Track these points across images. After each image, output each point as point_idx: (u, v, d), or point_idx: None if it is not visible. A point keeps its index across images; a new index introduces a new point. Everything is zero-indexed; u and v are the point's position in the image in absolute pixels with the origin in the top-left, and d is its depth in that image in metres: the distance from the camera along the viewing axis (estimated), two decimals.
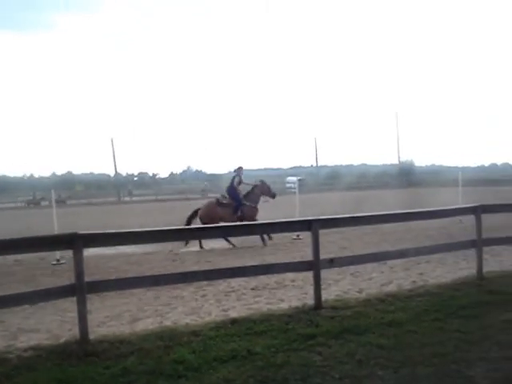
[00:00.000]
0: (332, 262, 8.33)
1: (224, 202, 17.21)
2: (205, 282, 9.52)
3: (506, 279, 9.27)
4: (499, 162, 75.74)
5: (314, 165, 72.33)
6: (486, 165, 72.81)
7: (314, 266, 7.87)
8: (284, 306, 8.14)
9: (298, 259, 9.48)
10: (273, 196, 17.79)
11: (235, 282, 9.78)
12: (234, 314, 7.72)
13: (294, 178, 47.08)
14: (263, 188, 17.75)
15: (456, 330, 6.58)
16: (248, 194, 17.43)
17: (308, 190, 49.03)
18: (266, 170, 77.08)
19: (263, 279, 9.85)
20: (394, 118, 75.78)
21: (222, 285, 9.77)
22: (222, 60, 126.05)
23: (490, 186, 42.79)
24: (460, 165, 64.74)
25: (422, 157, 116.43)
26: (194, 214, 16.91)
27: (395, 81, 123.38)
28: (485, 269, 9.67)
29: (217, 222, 15.15)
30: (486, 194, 27.56)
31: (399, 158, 69.81)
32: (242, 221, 15.99)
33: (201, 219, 16.53)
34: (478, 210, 9.64)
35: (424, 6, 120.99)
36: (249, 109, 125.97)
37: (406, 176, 60.69)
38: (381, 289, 9.13)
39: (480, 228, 9.56)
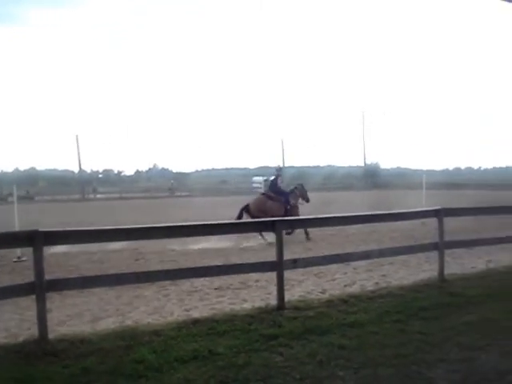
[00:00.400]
0: (296, 263, 8.34)
1: (273, 196, 17.76)
2: (168, 282, 9.44)
3: (466, 281, 9.41)
4: (463, 166, 76.82)
5: (281, 165, 72.55)
6: (451, 169, 73.85)
7: (278, 266, 7.88)
8: (247, 306, 8.13)
9: (262, 260, 9.45)
10: (307, 201, 18.62)
11: (199, 282, 9.72)
12: (196, 314, 7.68)
13: (261, 178, 47.08)
14: (302, 191, 18.64)
15: (417, 331, 6.64)
16: (290, 193, 18.24)
17: None
18: (232, 169, 77.10)
19: (227, 279, 9.80)
20: (361, 121, 76.35)
21: (186, 284, 9.71)
22: (190, 58, 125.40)
23: (453, 189, 43.42)
24: (425, 168, 65.56)
25: (388, 159, 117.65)
26: (245, 208, 17.30)
27: (362, 84, 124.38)
28: (446, 271, 9.81)
29: (268, 216, 15.37)
30: (449, 198, 27.94)
31: (365, 160, 70.44)
32: (288, 216, 16.35)
33: (251, 213, 16.99)
34: (440, 213, 9.76)
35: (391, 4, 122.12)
36: (216, 108, 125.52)
37: (371, 178, 61.32)
38: (344, 290, 9.19)
39: (442, 231, 9.69)
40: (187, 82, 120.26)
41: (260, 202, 17.70)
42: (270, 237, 15.76)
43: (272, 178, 19.20)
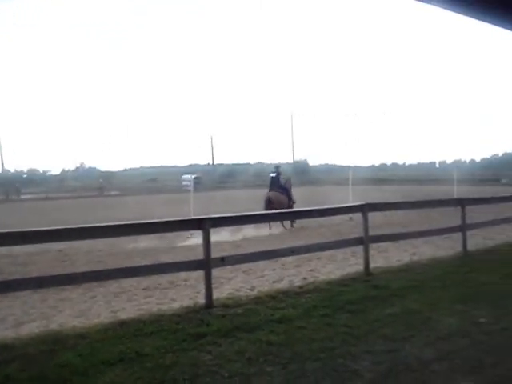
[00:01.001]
0: (223, 261, 8.34)
1: (281, 191, 20.27)
2: (95, 283, 9.23)
3: (391, 274, 9.66)
4: (389, 162, 78.83)
5: (211, 163, 72.58)
6: (377, 164, 75.57)
7: (205, 264, 7.85)
8: (175, 305, 8.05)
9: (190, 258, 9.39)
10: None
11: (126, 283, 9.55)
12: (123, 316, 7.55)
13: (189, 176, 46.74)
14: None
15: (343, 324, 6.76)
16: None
17: (204, 189, 48.89)
18: (161, 167, 76.29)
19: (155, 279, 9.67)
20: (289, 118, 77.20)
21: (113, 285, 9.52)
22: (120, 53, 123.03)
23: (379, 185, 44.46)
24: (352, 164, 66.88)
25: (316, 156, 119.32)
26: (268, 200, 19.53)
27: (291, 82, 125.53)
28: (372, 265, 10.05)
29: (283, 208, 18.23)
30: (375, 193, 28.62)
31: (294, 157, 71.20)
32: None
33: (274, 205, 18.92)
34: (364, 209, 9.97)
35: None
36: (144, 105, 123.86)
37: (300, 175, 61.96)
38: (272, 286, 9.25)
39: (367, 225, 9.91)
40: (116, 79, 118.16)
41: (279, 195, 19.96)
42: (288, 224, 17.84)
43: (273, 175, 20.83)
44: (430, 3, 2.43)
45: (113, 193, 56.82)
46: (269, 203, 19.27)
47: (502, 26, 2.52)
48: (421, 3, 2.39)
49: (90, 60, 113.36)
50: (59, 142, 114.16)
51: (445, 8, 2.43)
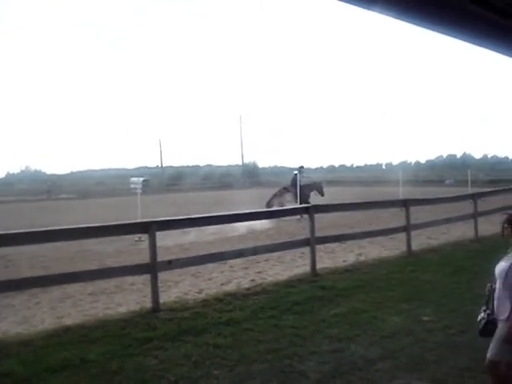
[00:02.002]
0: (170, 264, 8.29)
1: (289, 190, 23.67)
2: (39, 289, 9.04)
3: (337, 275, 9.79)
4: (337, 163, 79.74)
5: (160, 165, 71.95)
6: (325, 166, 76.29)
7: (152, 268, 7.79)
8: (122, 310, 7.96)
9: (137, 262, 9.30)
10: (322, 195, 24.21)
11: (72, 288, 9.35)
12: (68, 322, 7.42)
13: (136, 179, 46.36)
14: (318, 187, 24.62)
15: (290, 325, 6.83)
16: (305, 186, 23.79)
17: (153, 191, 48.57)
18: (109, 170, 75.11)
19: (102, 284, 9.52)
20: (239, 121, 77.40)
21: (58, 291, 9.32)
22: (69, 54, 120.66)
23: (327, 186, 44.90)
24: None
25: (265, 158, 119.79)
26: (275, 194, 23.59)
27: (240, 84, 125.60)
28: (319, 265, 10.15)
29: (285, 202, 22.42)
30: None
31: (243, 159, 71.25)
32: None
33: (275, 197, 23.35)
34: (311, 210, 10.07)
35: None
36: (91, 108, 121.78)
37: (249, 177, 62.11)
38: (220, 288, 9.24)
39: (313, 227, 10.00)
40: (53, 78, 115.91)
41: (282, 191, 23.78)
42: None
43: (295, 172, 24.07)
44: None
45: (61, 196, 55.61)
46: (273, 196, 23.44)
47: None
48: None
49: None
50: (2, 144, 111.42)
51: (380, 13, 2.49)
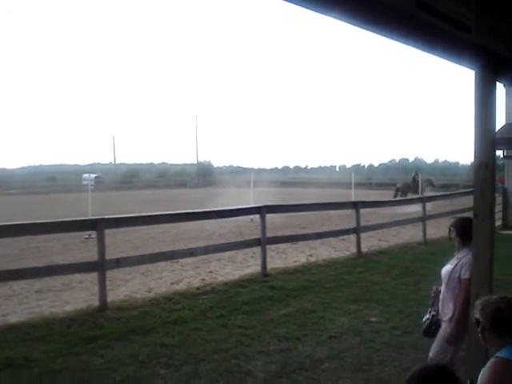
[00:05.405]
0: (119, 262, 8.20)
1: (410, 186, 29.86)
2: None
3: (287, 275, 9.85)
4: (291, 164, 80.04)
5: (113, 162, 71.03)
6: (280, 167, 76.53)
7: (100, 266, 7.68)
8: (68, 308, 7.82)
9: (85, 259, 9.16)
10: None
11: (18, 285, 9.17)
12: (13, 320, 7.26)
13: (88, 175, 45.81)
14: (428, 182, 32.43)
15: (239, 325, 6.85)
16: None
17: (105, 188, 47.92)
18: (61, 165, 73.73)
19: (49, 281, 9.33)
20: (194, 119, 77.08)
21: (3, 288, 9.09)
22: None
23: (282, 187, 45.16)
24: (256, 166, 67.63)
25: (221, 158, 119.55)
26: (397, 189, 29.56)
27: (196, 84, 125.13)
28: (270, 266, 10.19)
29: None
30: (276, 195, 29.00)
31: (198, 158, 70.90)
32: None
33: (403, 191, 28.85)
34: (262, 210, 10.09)
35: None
36: (44, 102, 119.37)
37: (204, 176, 61.84)
38: (170, 287, 9.19)
39: (264, 227, 10.03)
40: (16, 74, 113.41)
41: (409, 184, 29.89)
42: None
43: (413, 174, 31.13)
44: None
45: (10, 192, 54.37)
46: (396, 190, 29.41)
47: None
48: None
49: None
50: None
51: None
